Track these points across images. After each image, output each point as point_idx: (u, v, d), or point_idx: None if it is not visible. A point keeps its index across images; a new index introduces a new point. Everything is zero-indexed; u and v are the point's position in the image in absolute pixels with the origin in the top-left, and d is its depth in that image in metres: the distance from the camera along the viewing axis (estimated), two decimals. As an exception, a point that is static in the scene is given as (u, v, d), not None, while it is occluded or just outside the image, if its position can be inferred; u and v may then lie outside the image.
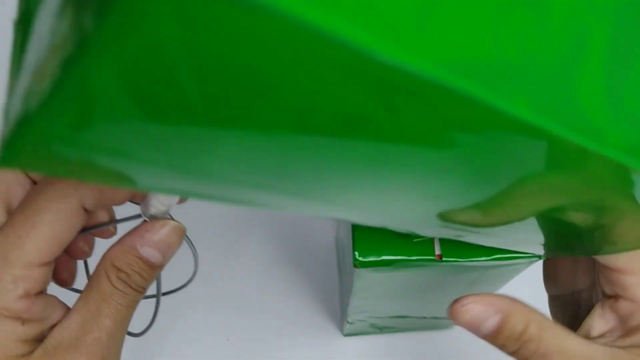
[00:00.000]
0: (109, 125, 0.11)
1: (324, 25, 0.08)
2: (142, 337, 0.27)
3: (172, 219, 0.23)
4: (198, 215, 0.43)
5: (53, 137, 0.11)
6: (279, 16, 0.08)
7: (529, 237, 0.23)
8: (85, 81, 0.09)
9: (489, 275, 0.30)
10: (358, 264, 0.27)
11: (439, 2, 0.10)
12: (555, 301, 0.31)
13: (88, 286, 0.22)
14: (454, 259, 0.27)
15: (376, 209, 0.19)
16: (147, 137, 0.12)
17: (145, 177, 0.15)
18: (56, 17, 0.10)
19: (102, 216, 0.25)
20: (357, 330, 0.44)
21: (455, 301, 0.24)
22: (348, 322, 0.40)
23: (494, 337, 0.24)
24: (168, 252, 0.23)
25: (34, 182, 0.23)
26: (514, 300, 0.24)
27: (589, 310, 0.27)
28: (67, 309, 0.23)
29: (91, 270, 0.24)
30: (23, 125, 0.11)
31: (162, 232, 0.22)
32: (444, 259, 0.27)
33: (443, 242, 0.27)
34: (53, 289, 0.24)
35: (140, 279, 0.23)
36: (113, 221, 0.26)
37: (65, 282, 0.26)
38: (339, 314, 0.46)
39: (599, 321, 0.26)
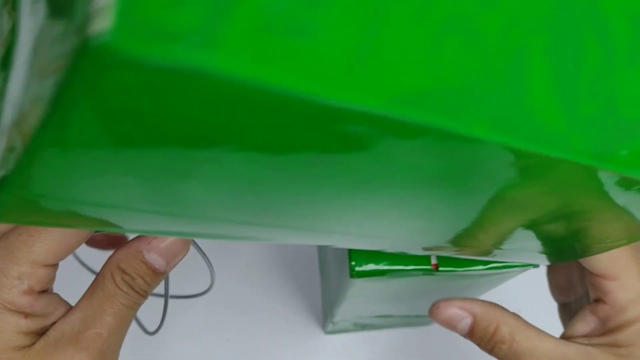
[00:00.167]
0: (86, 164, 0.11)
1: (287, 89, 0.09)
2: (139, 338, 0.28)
3: None
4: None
5: (33, 194, 0.11)
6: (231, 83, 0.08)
7: (519, 248, 0.24)
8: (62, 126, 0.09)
9: (482, 281, 0.31)
10: (355, 274, 0.27)
11: (376, 41, 0.10)
12: (563, 309, 0.33)
13: (93, 285, 0.23)
14: (450, 269, 0.27)
15: (367, 235, 0.19)
16: (126, 181, 0.12)
17: (128, 223, 0.15)
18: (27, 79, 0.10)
19: None
20: (340, 328, 0.44)
21: (434, 304, 0.26)
22: (332, 322, 0.41)
23: (470, 337, 0.27)
24: (173, 260, 0.24)
25: None
26: (488, 304, 0.26)
27: None
28: (69, 307, 0.24)
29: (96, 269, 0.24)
30: (2, 185, 0.11)
31: (168, 241, 0.23)
32: (440, 268, 0.27)
33: None
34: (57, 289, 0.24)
35: (144, 283, 0.23)
36: None
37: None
38: (321, 313, 0.46)
39: (581, 323, 0.27)
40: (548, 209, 0.18)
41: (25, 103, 0.10)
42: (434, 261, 0.27)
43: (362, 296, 0.32)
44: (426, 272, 0.27)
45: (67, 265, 0.40)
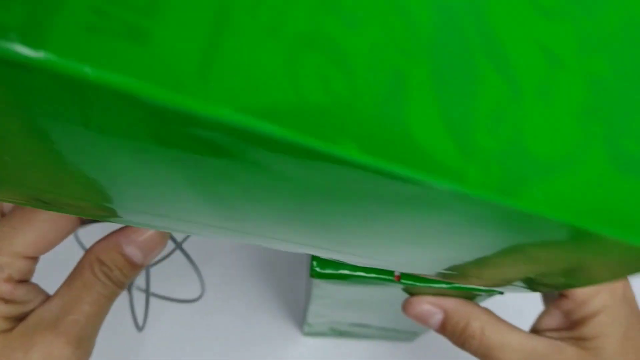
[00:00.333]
0: None
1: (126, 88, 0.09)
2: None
3: None
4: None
5: None
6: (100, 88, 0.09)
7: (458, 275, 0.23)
8: None
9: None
10: (314, 275, 0.27)
11: (221, 51, 0.10)
12: (545, 297, 0.33)
13: (72, 274, 0.24)
14: (412, 282, 0.27)
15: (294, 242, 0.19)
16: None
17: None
18: None
19: None
20: (316, 331, 0.45)
21: (407, 299, 0.27)
22: (308, 323, 0.41)
23: (442, 332, 0.28)
24: (150, 253, 0.25)
25: None
26: (460, 301, 0.27)
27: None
28: (48, 296, 0.24)
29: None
30: None
31: (147, 235, 0.24)
32: (402, 280, 0.27)
33: None
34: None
35: (121, 275, 0.24)
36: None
37: None
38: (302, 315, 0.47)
39: (548, 317, 0.28)
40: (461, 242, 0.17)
41: None
42: (397, 273, 0.27)
43: (327, 298, 0.32)
44: (387, 281, 0.27)
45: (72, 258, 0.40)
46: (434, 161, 0.12)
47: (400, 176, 0.12)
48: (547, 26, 0.13)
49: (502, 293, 0.28)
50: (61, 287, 0.24)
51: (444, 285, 0.27)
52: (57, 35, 0.08)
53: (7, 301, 0.22)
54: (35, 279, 0.30)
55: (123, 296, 0.42)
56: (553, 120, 0.13)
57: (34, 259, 0.23)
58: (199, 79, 0.09)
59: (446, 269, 0.22)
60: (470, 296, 0.27)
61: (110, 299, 0.25)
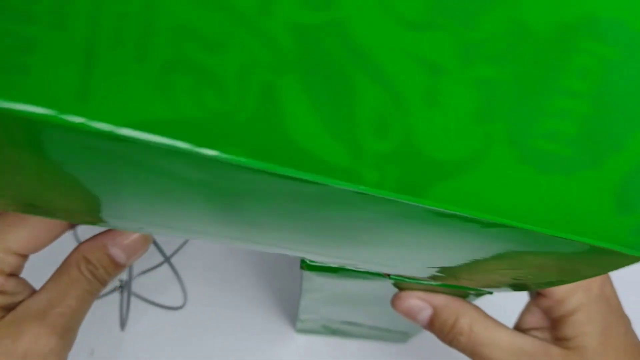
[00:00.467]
0: None
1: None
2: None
3: None
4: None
5: None
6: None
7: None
8: None
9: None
10: (305, 267, 0.27)
11: (94, 78, 0.12)
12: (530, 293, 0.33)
13: (59, 270, 0.26)
14: (402, 278, 0.27)
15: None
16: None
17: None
18: None
19: None
20: (309, 328, 0.45)
21: (396, 294, 0.27)
22: (300, 319, 0.41)
23: (430, 328, 0.27)
24: (132, 255, 0.27)
25: None
26: (449, 297, 0.27)
27: None
28: (34, 290, 0.26)
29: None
30: None
31: (131, 238, 0.26)
32: (391, 276, 0.27)
33: None
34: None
35: (105, 273, 0.26)
36: None
37: None
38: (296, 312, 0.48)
39: (529, 315, 0.28)
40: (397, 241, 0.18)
41: None
42: None
43: (317, 292, 0.33)
44: (377, 276, 0.27)
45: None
46: (326, 164, 0.14)
47: (287, 176, 0.13)
48: (418, 38, 0.13)
49: (491, 293, 0.28)
50: (48, 281, 0.26)
51: (432, 282, 0.27)
52: None
53: None
54: (37, 271, 0.32)
55: (113, 297, 0.44)
56: (447, 125, 0.14)
57: (25, 257, 0.25)
58: (79, 101, 0.11)
59: (431, 272, 0.22)
60: (460, 294, 0.27)
61: (93, 294, 0.27)
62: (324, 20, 0.13)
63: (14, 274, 0.25)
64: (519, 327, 0.28)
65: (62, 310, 0.26)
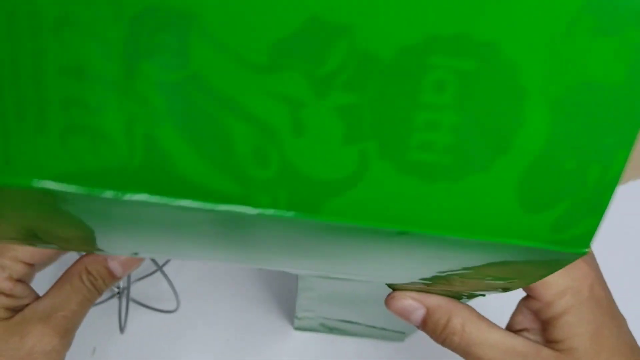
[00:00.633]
0: None
1: None
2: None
3: None
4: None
5: None
6: None
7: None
8: None
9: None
10: None
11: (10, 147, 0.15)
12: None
13: (62, 279, 0.30)
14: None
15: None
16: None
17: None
18: None
19: None
20: (307, 326, 0.46)
21: (390, 294, 0.27)
22: (297, 318, 0.42)
23: (423, 328, 0.28)
24: (128, 269, 0.30)
25: None
26: (442, 297, 0.27)
27: None
28: (37, 295, 0.30)
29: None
30: None
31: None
32: None
33: None
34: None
35: (102, 284, 0.30)
36: None
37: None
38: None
39: (519, 316, 0.28)
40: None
41: None
42: None
43: (312, 291, 0.34)
44: None
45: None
46: (220, 193, 0.16)
47: (186, 206, 0.16)
48: (272, 79, 0.15)
49: (483, 295, 0.28)
50: (52, 288, 0.30)
51: (421, 284, 0.27)
52: None
53: (7, 295, 0.28)
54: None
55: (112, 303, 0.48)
56: (320, 149, 0.16)
57: (32, 265, 0.29)
58: (4, 165, 0.15)
59: (412, 279, 0.23)
60: (453, 295, 0.27)
61: (92, 301, 0.30)
62: (183, 76, 0.15)
63: (21, 280, 0.29)
64: (510, 328, 0.28)
65: (64, 314, 0.29)
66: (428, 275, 0.22)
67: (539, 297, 0.26)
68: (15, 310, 0.29)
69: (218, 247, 0.20)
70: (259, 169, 0.16)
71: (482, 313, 0.27)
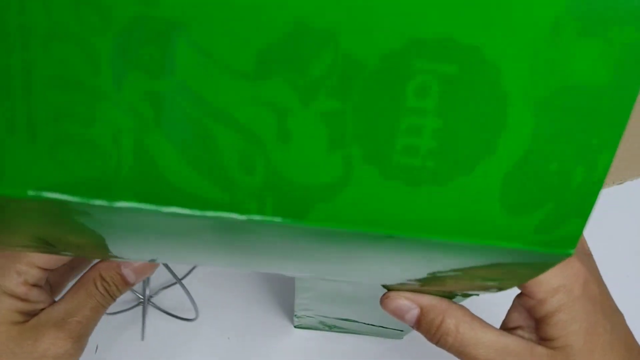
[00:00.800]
0: None
1: None
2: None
3: None
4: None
5: None
6: None
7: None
8: None
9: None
10: None
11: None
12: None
13: (77, 285, 0.30)
14: None
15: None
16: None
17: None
18: None
19: None
20: (306, 324, 0.46)
21: (384, 294, 0.27)
22: (297, 316, 0.43)
23: (418, 328, 0.27)
24: (141, 276, 0.31)
25: None
26: (436, 297, 0.27)
27: None
28: (53, 300, 0.30)
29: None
30: None
31: (140, 262, 0.29)
32: None
33: None
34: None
35: (116, 290, 0.30)
36: None
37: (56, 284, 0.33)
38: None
39: (515, 313, 0.28)
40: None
41: None
42: None
43: (310, 291, 0.34)
44: None
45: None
46: (208, 199, 0.16)
47: (176, 213, 0.16)
48: (258, 86, 0.15)
49: (477, 294, 0.28)
50: (67, 293, 0.30)
51: (415, 283, 0.27)
52: None
53: (22, 299, 0.29)
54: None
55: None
56: (305, 155, 0.16)
57: (46, 270, 0.29)
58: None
59: (404, 280, 0.24)
60: (447, 295, 0.27)
61: (105, 307, 0.31)
62: (170, 85, 0.15)
63: (36, 285, 0.29)
64: (506, 325, 0.28)
65: (78, 319, 0.29)
66: (419, 276, 0.22)
67: (532, 295, 0.26)
68: (31, 315, 0.29)
69: (217, 252, 0.21)
70: (246, 175, 0.16)
71: (478, 311, 0.27)
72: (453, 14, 0.14)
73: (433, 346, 0.27)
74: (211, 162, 0.15)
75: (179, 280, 0.40)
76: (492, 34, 0.14)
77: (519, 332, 0.27)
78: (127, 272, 0.30)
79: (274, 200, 0.16)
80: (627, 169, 0.55)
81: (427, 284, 0.24)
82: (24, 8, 0.14)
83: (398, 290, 0.27)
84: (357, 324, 0.42)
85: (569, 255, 0.17)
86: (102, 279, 0.30)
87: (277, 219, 0.16)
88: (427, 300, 0.26)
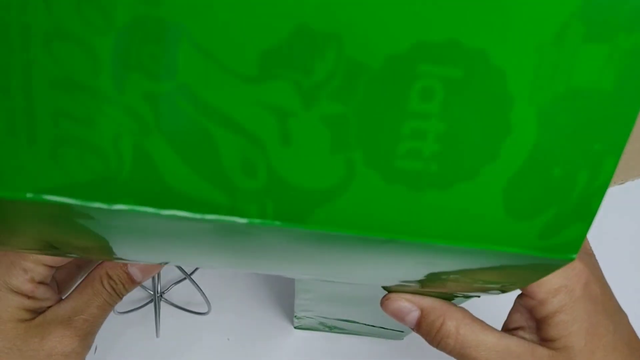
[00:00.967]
0: None
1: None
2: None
3: None
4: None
5: None
6: None
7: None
8: None
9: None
10: None
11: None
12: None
13: (84, 283, 0.30)
14: None
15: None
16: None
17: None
18: None
19: None
20: (306, 325, 0.46)
21: (385, 295, 0.27)
22: (297, 317, 0.42)
23: (418, 330, 0.27)
24: (148, 274, 0.30)
25: None
26: (437, 299, 0.26)
27: None
28: (60, 297, 0.30)
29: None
30: None
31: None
32: None
33: None
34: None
35: (122, 288, 0.30)
36: None
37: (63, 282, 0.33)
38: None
39: (516, 314, 0.27)
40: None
41: None
42: None
43: (310, 292, 0.34)
44: None
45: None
46: (208, 203, 0.15)
47: (182, 217, 0.16)
48: (260, 89, 0.14)
49: (478, 296, 0.27)
50: (74, 291, 0.30)
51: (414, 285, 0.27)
52: None
53: (29, 297, 0.28)
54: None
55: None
56: (307, 158, 0.15)
57: (52, 268, 0.29)
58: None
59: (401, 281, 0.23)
60: (448, 297, 0.27)
61: (112, 305, 0.30)
62: (172, 86, 0.14)
63: (43, 282, 0.29)
64: (507, 326, 0.28)
65: (85, 317, 0.29)
66: (419, 278, 0.22)
67: (533, 295, 0.25)
68: (37, 312, 0.29)
69: (217, 254, 0.20)
70: (247, 179, 0.15)
71: (479, 312, 0.27)
72: (459, 17, 0.14)
73: (432, 349, 0.27)
74: (212, 165, 0.15)
75: (188, 276, 0.40)
76: (498, 38, 0.14)
77: (521, 332, 0.27)
78: (134, 271, 0.30)
79: (274, 204, 0.16)
80: (628, 169, 0.55)
81: (428, 286, 0.23)
82: (25, 8, 0.13)
83: (398, 291, 0.27)
84: (357, 324, 0.42)
85: (571, 260, 0.17)
86: (109, 277, 0.30)
87: (277, 223, 0.16)
88: (427, 302, 0.26)
